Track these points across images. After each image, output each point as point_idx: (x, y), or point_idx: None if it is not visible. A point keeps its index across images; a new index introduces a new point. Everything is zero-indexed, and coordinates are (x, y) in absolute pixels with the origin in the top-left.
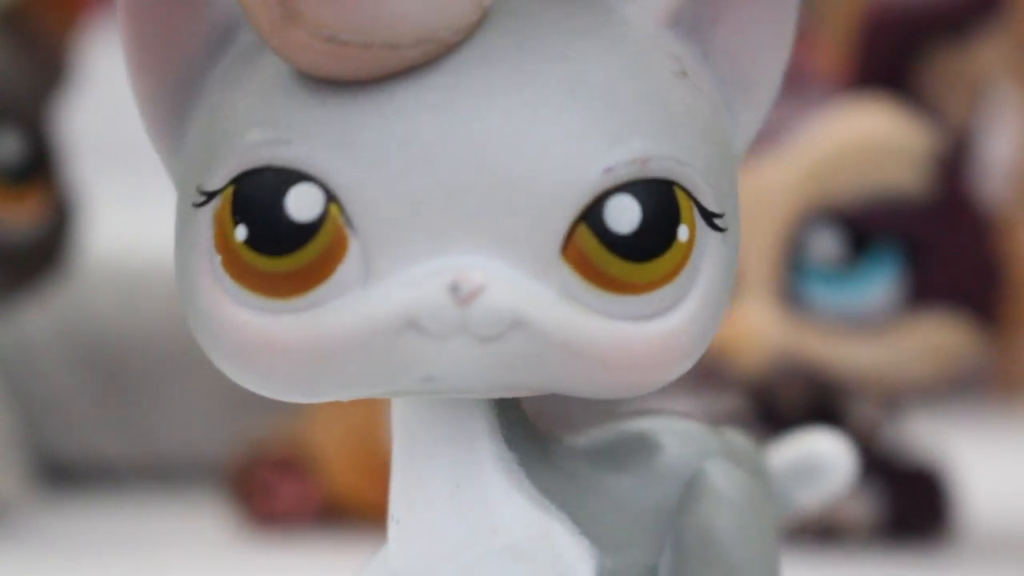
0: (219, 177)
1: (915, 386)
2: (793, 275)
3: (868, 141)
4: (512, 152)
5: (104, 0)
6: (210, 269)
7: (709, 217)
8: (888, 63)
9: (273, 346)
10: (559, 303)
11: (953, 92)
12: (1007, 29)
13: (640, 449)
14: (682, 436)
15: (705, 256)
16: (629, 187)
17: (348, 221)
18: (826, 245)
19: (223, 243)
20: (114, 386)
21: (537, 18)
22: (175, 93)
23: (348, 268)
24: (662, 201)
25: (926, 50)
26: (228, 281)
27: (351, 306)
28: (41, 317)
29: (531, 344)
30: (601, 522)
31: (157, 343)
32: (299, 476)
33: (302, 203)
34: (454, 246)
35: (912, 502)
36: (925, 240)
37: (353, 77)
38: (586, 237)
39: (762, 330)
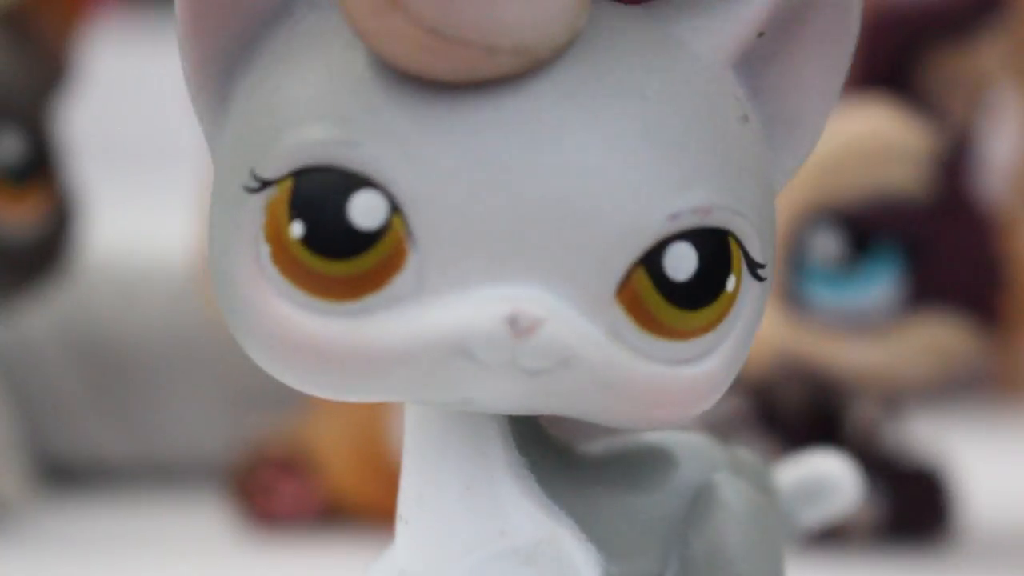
0: (277, 166)
1: (915, 386)
2: (794, 275)
3: (869, 141)
4: (581, 188)
5: (104, 0)
6: (255, 258)
7: (754, 267)
8: (889, 63)
9: (318, 346)
10: (607, 343)
11: (954, 92)
12: (1008, 29)
13: (651, 461)
14: (691, 450)
15: (745, 304)
16: (690, 235)
17: (409, 234)
18: (827, 245)
19: (275, 235)
20: (114, 386)
21: (613, 49)
22: (224, 62)
23: (403, 280)
24: (717, 252)
25: (927, 50)
26: (274, 273)
27: (405, 319)
28: (41, 317)
29: (574, 381)
30: (609, 530)
31: (157, 343)
32: (300, 476)
33: (366, 210)
34: (512, 275)
35: (912, 502)
36: (926, 240)
37: (442, 76)
38: (643, 281)
39: (762, 330)
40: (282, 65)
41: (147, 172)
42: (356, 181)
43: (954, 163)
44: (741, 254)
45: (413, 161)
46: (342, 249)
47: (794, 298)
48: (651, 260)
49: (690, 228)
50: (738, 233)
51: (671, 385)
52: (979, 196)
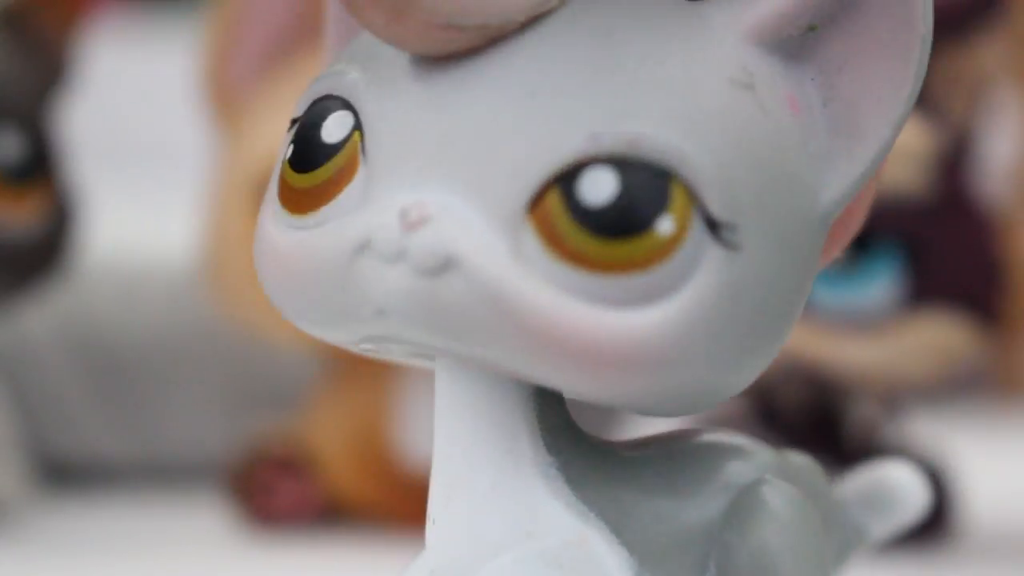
0: (303, 105)
1: (915, 386)
2: None
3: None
4: (512, 108)
5: (104, 0)
6: (275, 192)
7: (713, 224)
8: None
9: (281, 257)
10: (507, 257)
11: (954, 92)
12: (1008, 29)
13: (691, 462)
14: (735, 451)
15: (699, 263)
16: (613, 161)
17: (363, 149)
18: None
19: (283, 166)
20: (114, 386)
21: (613, 5)
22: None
23: (352, 191)
24: (646, 184)
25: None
26: (274, 199)
27: (338, 226)
28: (41, 317)
29: (465, 290)
30: (643, 534)
31: (157, 343)
32: (299, 476)
33: (335, 126)
34: (430, 185)
35: None
36: (925, 240)
37: (467, 53)
38: (554, 201)
39: None
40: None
41: (147, 172)
42: (336, 103)
43: (954, 163)
44: (689, 201)
45: (379, 86)
46: (310, 161)
47: None
48: (566, 180)
49: (613, 154)
50: (685, 176)
51: (588, 324)
52: (979, 196)
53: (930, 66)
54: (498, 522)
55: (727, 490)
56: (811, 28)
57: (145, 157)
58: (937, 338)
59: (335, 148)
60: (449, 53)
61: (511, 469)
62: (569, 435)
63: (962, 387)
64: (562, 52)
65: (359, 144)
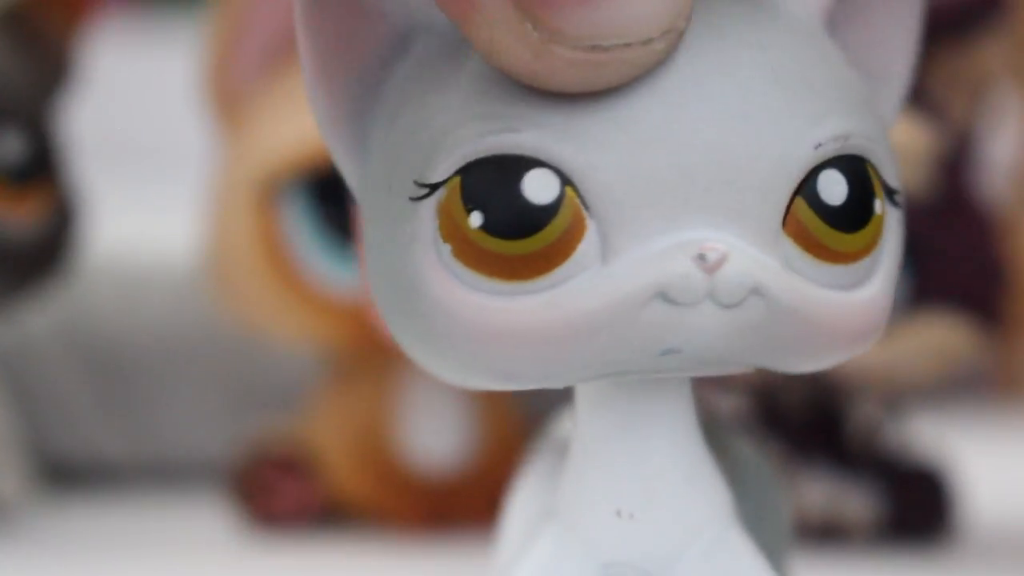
0: (442, 169)
1: (916, 386)
2: None
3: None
4: (730, 132)
5: (106, 0)
6: (437, 260)
7: (891, 193)
8: None
9: (516, 327)
10: (785, 272)
11: (954, 92)
12: (1009, 29)
13: (723, 433)
14: (729, 430)
15: (889, 230)
16: (835, 162)
17: (584, 203)
18: None
19: (452, 231)
20: (115, 386)
21: (720, 9)
22: (352, 101)
23: (586, 247)
24: (861, 175)
25: (927, 50)
26: (460, 268)
27: (596, 282)
28: (43, 317)
29: (767, 311)
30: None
31: (159, 343)
32: (300, 476)
33: (539, 187)
34: (687, 222)
35: (913, 502)
36: (926, 240)
37: (616, 83)
38: (804, 210)
39: None
40: (421, 85)
41: (149, 172)
42: (524, 163)
43: (955, 163)
44: (878, 179)
45: (570, 136)
46: (523, 227)
47: None
48: (807, 190)
49: (834, 155)
50: (873, 159)
51: (846, 310)
52: (979, 196)
53: (930, 66)
54: (698, 507)
55: (754, 465)
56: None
57: (147, 157)
58: (937, 339)
59: (550, 209)
60: (597, 84)
61: (694, 458)
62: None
63: (963, 387)
64: (738, 68)
65: (576, 200)
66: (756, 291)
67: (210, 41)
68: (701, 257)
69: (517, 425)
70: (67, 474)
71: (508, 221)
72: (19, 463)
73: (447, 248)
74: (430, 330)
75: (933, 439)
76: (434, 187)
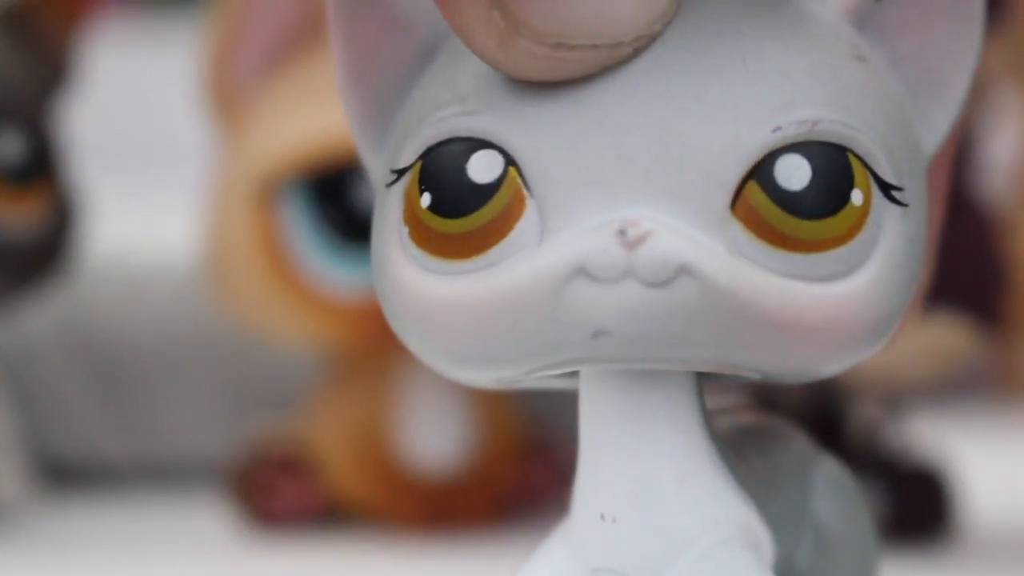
0: (408, 154)
1: (916, 386)
2: None
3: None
4: (683, 114)
5: (105, 0)
6: (399, 241)
7: (886, 188)
8: None
9: (453, 305)
10: (728, 257)
11: None
12: (1009, 30)
13: (761, 441)
14: (782, 431)
15: (884, 228)
16: (799, 147)
17: (525, 183)
18: None
19: (410, 215)
20: (115, 386)
21: (723, 11)
22: (381, 105)
23: (524, 227)
24: (833, 162)
25: None
26: (414, 249)
27: (524, 260)
28: (42, 317)
29: (700, 292)
30: (766, 511)
31: (158, 343)
32: (300, 476)
33: (483, 167)
34: (624, 202)
35: (913, 502)
36: None
37: (577, 78)
38: (756, 193)
39: None
40: (420, 88)
41: (148, 172)
42: (473, 144)
43: (955, 163)
44: (867, 171)
45: (520, 118)
46: (464, 206)
47: None
48: (761, 173)
49: (798, 140)
50: (857, 149)
51: (809, 303)
52: (980, 196)
53: None
54: (690, 514)
55: (795, 468)
56: (876, 0)
57: (146, 157)
58: (938, 339)
59: (491, 188)
60: (559, 78)
61: (693, 461)
62: (710, 423)
63: (963, 388)
64: (707, 54)
65: (518, 180)
66: (684, 270)
67: (210, 41)
68: (621, 232)
69: (517, 425)
70: (67, 474)
71: (450, 200)
72: (19, 463)
73: (406, 230)
74: (395, 311)
75: (933, 439)
76: (401, 172)
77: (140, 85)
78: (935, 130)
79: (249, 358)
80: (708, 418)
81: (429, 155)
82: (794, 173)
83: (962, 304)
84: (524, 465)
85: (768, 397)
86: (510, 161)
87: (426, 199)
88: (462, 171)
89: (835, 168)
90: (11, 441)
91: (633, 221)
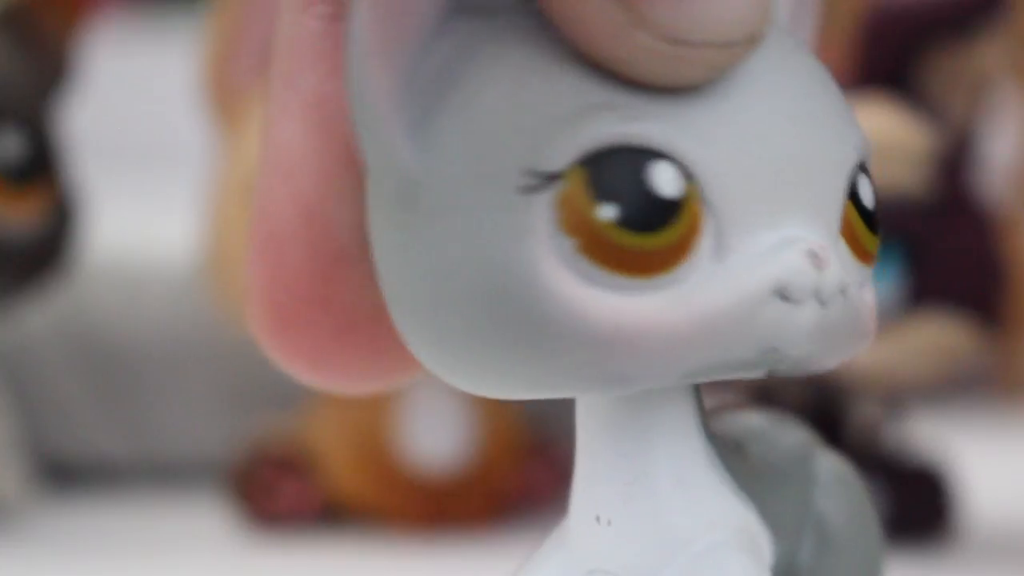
0: (561, 158)
1: (916, 386)
2: None
3: (869, 141)
4: (803, 134)
5: (105, 0)
6: (557, 255)
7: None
8: (890, 63)
9: (649, 324)
10: (847, 272)
11: (954, 92)
12: (1008, 29)
13: (763, 441)
14: (782, 428)
15: None
16: (863, 166)
17: (703, 199)
18: None
19: (580, 226)
20: (115, 386)
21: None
22: (408, 75)
23: (705, 242)
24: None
25: (928, 50)
26: (587, 264)
27: (719, 280)
28: (42, 317)
29: (843, 311)
30: (765, 511)
31: (158, 343)
32: (300, 476)
33: (666, 180)
34: (785, 220)
35: (914, 502)
36: (926, 240)
37: (689, 81)
38: (852, 213)
39: None
40: (504, 69)
41: (148, 172)
42: (651, 155)
43: (955, 163)
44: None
45: (690, 129)
46: (656, 221)
47: None
48: (853, 191)
49: (863, 159)
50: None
51: (870, 310)
52: (980, 196)
53: (930, 66)
54: (686, 515)
55: (797, 465)
56: None
57: (146, 157)
58: (938, 339)
59: (679, 203)
60: (674, 78)
61: (689, 462)
62: (708, 425)
63: (963, 387)
64: (794, 74)
65: (698, 193)
66: (843, 291)
67: (209, 41)
68: (813, 254)
69: (517, 425)
70: (67, 474)
71: (642, 215)
72: (19, 463)
73: (572, 242)
74: (537, 331)
75: (934, 439)
76: (552, 177)
77: (140, 85)
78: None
79: (249, 358)
80: (706, 418)
81: (599, 162)
82: (867, 191)
83: (962, 304)
84: (524, 465)
85: (768, 395)
86: (687, 174)
87: (610, 211)
88: (647, 184)
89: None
90: (11, 441)
91: (820, 243)
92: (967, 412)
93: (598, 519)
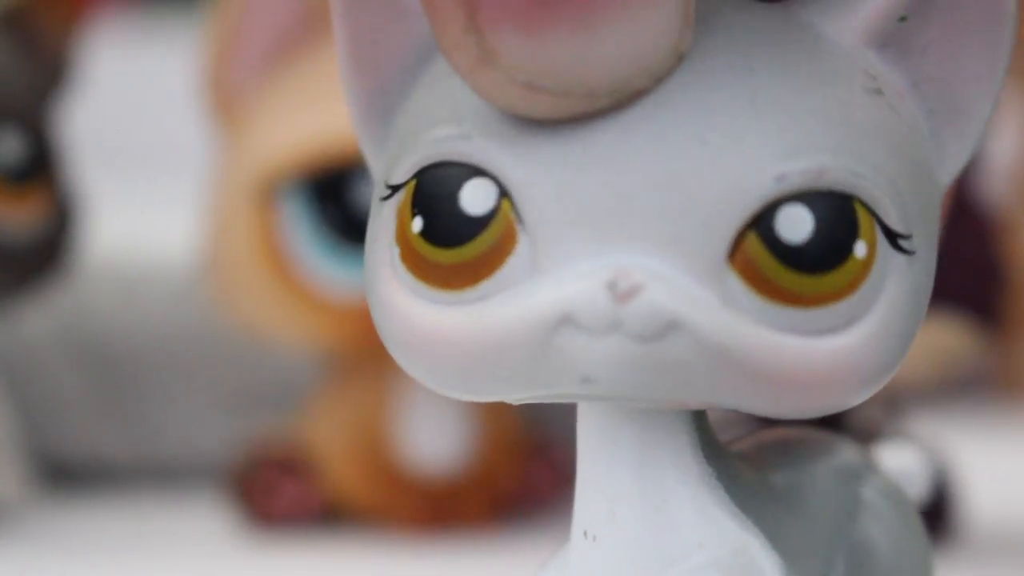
0: (403, 171)
1: (917, 386)
2: None
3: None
4: (684, 157)
5: (105, 0)
6: (389, 260)
7: (893, 237)
8: None
9: (440, 337)
10: (720, 309)
11: None
12: None
13: (801, 464)
14: (828, 450)
15: (888, 278)
16: (803, 197)
17: (519, 217)
18: None
19: (402, 235)
20: (114, 386)
21: (731, 32)
22: (384, 99)
23: (516, 262)
24: (838, 214)
25: None
26: (404, 272)
27: (513, 299)
28: (42, 317)
29: (689, 348)
30: (785, 538)
31: (158, 343)
32: (300, 476)
33: (476, 197)
34: (617, 246)
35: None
36: None
37: (546, 118)
38: (755, 245)
39: None
40: (421, 91)
41: (147, 172)
42: (467, 171)
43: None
44: (873, 220)
45: (518, 148)
46: (455, 236)
47: None
48: (762, 223)
49: (802, 190)
50: (865, 198)
51: (803, 358)
52: (980, 197)
53: None
54: (669, 535)
55: (840, 488)
56: (902, 19)
57: (146, 158)
58: (939, 339)
59: (483, 220)
60: (529, 115)
61: (679, 483)
62: (716, 444)
63: (963, 388)
64: (715, 91)
65: (511, 213)
66: (674, 326)
67: (209, 41)
68: (612, 284)
69: (517, 426)
70: (66, 474)
71: (442, 229)
72: (19, 463)
73: (396, 251)
74: (381, 327)
75: (933, 439)
76: (396, 189)
77: (139, 85)
78: (952, 161)
79: (249, 358)
80: (709, 437)
81: (423, 176)
82: (796, 225)
83: (962, 304)
84: (524, 465)
85: None
86: (503, 192)
87: (418, 224)
88: (455, 199)
89: (839, 220)
90: (11, 441)
91: (624, 272)
92: (968, 413)
93: (585, 534)
